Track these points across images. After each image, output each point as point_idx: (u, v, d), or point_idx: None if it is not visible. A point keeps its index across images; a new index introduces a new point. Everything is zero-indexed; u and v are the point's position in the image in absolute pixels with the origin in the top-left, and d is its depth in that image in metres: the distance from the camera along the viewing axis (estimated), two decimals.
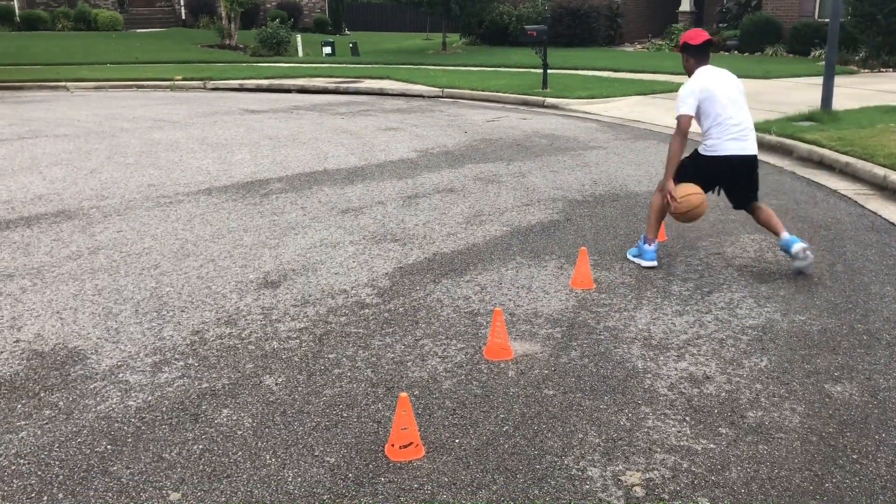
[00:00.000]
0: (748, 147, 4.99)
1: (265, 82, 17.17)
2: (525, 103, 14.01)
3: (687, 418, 3.26)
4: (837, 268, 5.08)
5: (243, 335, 4.13)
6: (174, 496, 2.79)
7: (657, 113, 11.98)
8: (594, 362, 3.78)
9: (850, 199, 6.94)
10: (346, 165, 8.47)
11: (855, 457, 2.96)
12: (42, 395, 3.52)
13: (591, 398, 3.44)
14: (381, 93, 15.89)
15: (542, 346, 3.97)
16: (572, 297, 4.63)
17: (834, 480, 2.82)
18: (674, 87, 13.81)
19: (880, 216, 6.32)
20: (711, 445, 3.05)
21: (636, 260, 5.22)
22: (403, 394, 3.00)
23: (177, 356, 3.89)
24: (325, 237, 5.84)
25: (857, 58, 17.42)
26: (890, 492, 2.74)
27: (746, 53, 21.16)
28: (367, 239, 5.79)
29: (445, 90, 15.48)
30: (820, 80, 10.56)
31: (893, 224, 6.09)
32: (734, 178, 5.10)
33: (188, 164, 8.55)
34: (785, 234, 4.96)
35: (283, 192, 7.27)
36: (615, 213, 6.47)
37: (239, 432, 3.20)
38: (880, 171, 7.37)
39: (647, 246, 5.16)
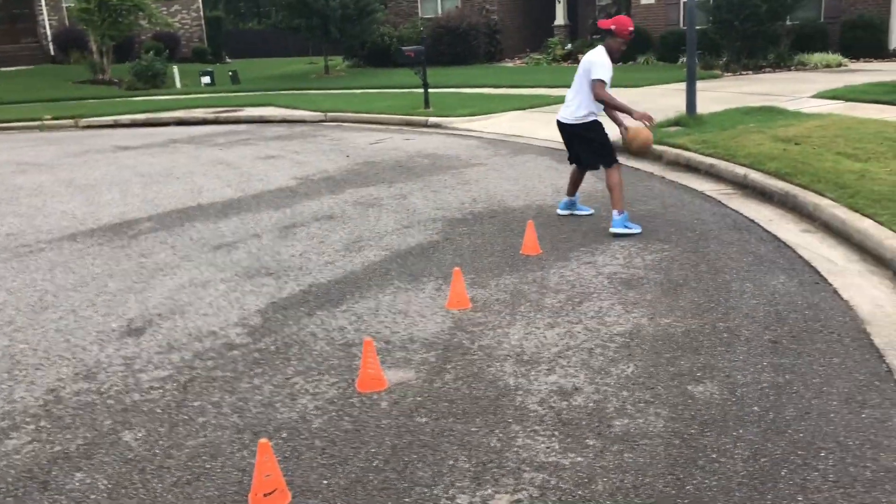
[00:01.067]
0: (564, 116, 6.53)
1: (141, 117, 16.61)
2: (408, 124, 14.05)
3: (556, 433, 3.28)
4: (701, 268, 5.27)
5: (102, 389, 3.92)
6: None
7: (535, 126, 12.23)
8: (467, 384, 3.77)
9: (713, 199, 7.24)
10: (222, 198, 8.24)
11: (714, 456, 3.04)
12: None
13: (462, 422, 3.42)
14: (262, 120, 15.62)
15: (416, 373, 3.93)
16: (448, 319, 4.62)
17: (695, 482, 2.88)
18: (552, 101, 14.18)
19: (741, 214, 6.61)
20: (579, 459, 3.08)
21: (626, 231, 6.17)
22: (263, 440, 2.89)
23: (27, 419, 3.64)
24: (195, 276, 5.63)
25: (720, 62, 18.34)
26: (746, 487, 2.83)
27: (620, 63, 21.91)
28: (240, 275, 5.63)
29: (329, 114, 15.36)
30: None
31: (753, 221, 6.39)
32: (567, 140, 6.67)
33: (52, 209, 8.12)
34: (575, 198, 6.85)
35: (152, 231, 7.00)
36: (493, 230, 6.53)
37: (92, 496, 3.01)
38: (741, 170, 7.73)
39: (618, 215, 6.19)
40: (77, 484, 3.10)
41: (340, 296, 5.11)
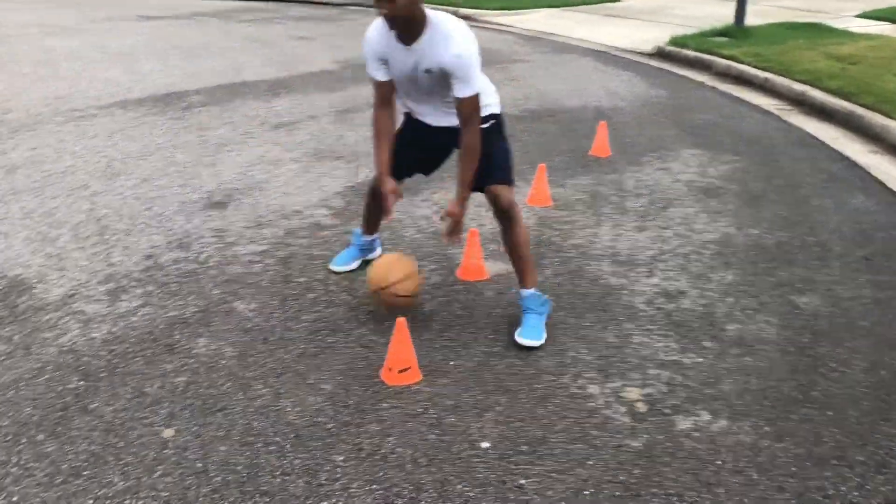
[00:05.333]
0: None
1: None
2: None
3: (670, 333, 3.32)
4: (778, 181, 5.25)
5: (200, 259, 3.90)
6: (167, 433, 2.63)
7: (571, 25, 11.92)
8: (569, 280, 3.79)
9: (772, 114, 7.14)
10: (266, 77, 8.03)
11: (833, 365, 3.10)
12: None
13: (574, 316, 3.45)
14: None
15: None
16: (532, 215, 4.60)
17: (819, 388, 2.95)
18: (587, 0, 13.74)
19: (806, 131, 6.54)
20: (699, 359, 3.13)
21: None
22: (401, 318, 2.92)
23: (133, 283, 3.64)
24: (263, 154, 5.55)
25: None
26: (872, 396, 2.90)
27: None
28: (309, 156, 5.54)
29: None
30: None
31: (817, 139, 6.33)
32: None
33: (94, 75, 7.89)
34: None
35: (204, 105, 6.84)
36: (555, 130, 6.43)
37: (222, 362, 3.04)
38: (798, 87, 7.61)
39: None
40: (203, 349, 3.12)
41: (418, 186, 5.05)
